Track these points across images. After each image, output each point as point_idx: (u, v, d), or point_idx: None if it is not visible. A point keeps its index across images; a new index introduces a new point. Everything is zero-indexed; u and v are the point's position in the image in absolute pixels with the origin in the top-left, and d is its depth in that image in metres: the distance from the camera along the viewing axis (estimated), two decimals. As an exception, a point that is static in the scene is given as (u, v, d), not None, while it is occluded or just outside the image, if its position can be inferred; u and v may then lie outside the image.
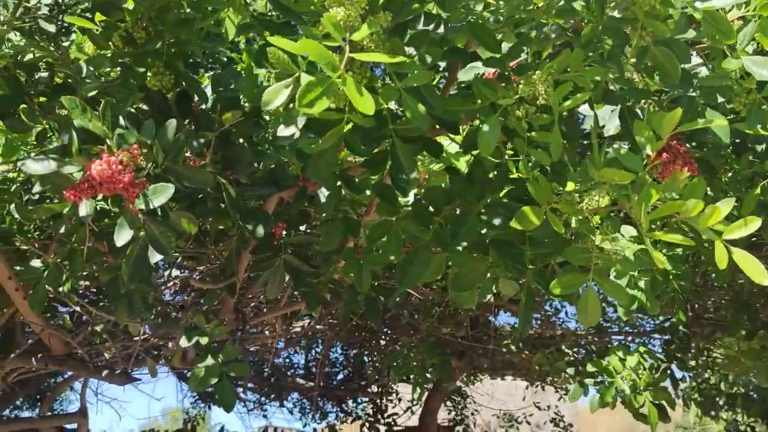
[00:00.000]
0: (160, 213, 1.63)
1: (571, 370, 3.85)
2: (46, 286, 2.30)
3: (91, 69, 1.99)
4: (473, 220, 1.85)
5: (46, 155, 1.61)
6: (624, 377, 3.28)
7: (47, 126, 2.51)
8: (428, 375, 4.24)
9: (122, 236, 1.55)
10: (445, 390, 7.25)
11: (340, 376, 8.91)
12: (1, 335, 3.68)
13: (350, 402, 8.69)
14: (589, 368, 3.40)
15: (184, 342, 2.50)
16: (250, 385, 8.79)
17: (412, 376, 7.55)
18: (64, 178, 1.67)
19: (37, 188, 1.77)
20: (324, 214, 2.51)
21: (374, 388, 7.92)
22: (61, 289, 2.55)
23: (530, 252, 1.87)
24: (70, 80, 2.44)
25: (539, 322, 4.96)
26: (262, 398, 9.27)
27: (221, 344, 2.66)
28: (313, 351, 8.32)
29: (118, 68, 2.05)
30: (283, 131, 1.73)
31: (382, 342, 7.17)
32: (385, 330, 6.52)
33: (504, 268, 1.93)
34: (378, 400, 7.86)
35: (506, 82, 1.87)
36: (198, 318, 2.53)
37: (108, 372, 3.06)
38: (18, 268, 2.45)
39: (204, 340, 2.51)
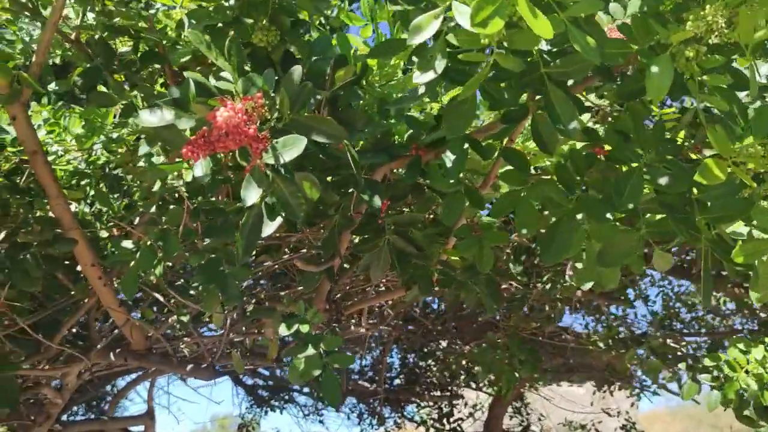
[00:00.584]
0: (286, 171, 1.42)
1: (682, 365, 3.53)
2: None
3: (193, 22, 1.78)
4: (638, 178, 1.59)
5: (160, 106, 1.41)
6: (750, 371, 2.96)
7: (133, 100, 2.34)
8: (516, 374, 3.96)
9: (250, 195, 1.34)
10: (510, 396, 6.95)
11: (396, 381, 8.66)
12: (77, 330, 3.54)
13: (410, 407, 8.43)
14: (707, 362, 3.09)
15: (283, 330, 2.28)
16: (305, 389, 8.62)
17: (473, 379, 7.31)
18: (178, 134, 1.47)
19: (143, 149, 1.57)
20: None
21: (437, 392, 7.64)
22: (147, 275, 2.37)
23: (703, 216, 1.60)
24: (157, 48, 2.26)
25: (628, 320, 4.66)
26: (318, 402, 9.09)
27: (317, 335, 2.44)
28: (370, 354, 8.08)
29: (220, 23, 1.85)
30: (419, 77, 1.51)
31: (442, 343, 6.91)
32: (439, 330, 6.26)
33: (668, 235, 1.66)
34: (443, 404, 7.59)
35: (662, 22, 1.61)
36: (298, 305, 2.31)
37: (193, 367, 2.87)
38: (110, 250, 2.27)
39: (305, 328, 2.30)
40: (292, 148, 1.34)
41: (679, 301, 6.54)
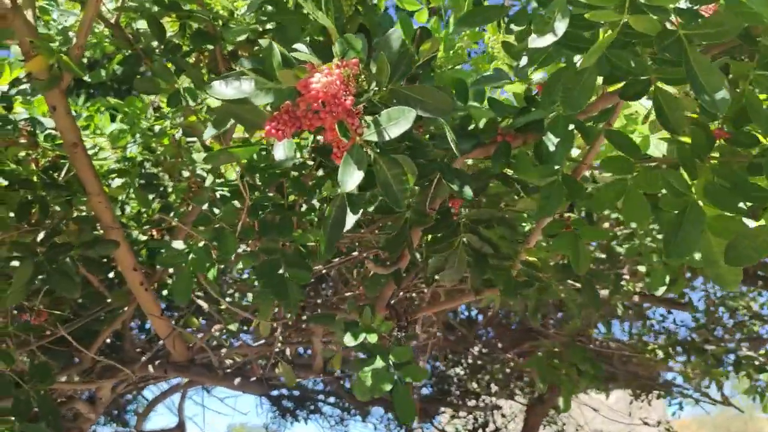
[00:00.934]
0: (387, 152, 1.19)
1: (764, 376, 3.27)
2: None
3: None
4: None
5: (234, 76, 1.18)
6: None
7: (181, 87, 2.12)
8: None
9: (351, 179, 1.11)
10: (546, 405, 6.68)
11: (425, 390, 8.40)
12: (111, 340, 3.33)
13: (439, 417, 8.17)
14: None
15: (348, 340, 2.05)
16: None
17: (515, 389, 7.03)
18: (255, 110, 1.24)
19: (209, 132, 1.35)
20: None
21: (472, 402, 7.37)
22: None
23: None
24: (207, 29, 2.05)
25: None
26: (344, 413, 8.85)
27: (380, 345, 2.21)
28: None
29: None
30: (535, 41, 1.27)
31: (475, 351, 6.64)
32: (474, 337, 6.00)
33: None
34: (478, 415, 7.32)
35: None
36: (364, 312, 2.08)
37: (242, 380, 2.65)
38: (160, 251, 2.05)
39: (373, 338, 2.06)
40: (399, 121, 1.11)
41: (723, 305, 6.24)
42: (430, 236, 2.17)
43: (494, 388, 6.80)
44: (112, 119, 2.95)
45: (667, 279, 3.00)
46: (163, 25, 1.96)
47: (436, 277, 2.40)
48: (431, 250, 2.08)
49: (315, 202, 2.39)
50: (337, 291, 3.04)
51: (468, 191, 1.62)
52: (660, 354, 4.29)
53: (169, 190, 2.87)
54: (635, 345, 4.74)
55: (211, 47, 1.97)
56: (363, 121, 1.13)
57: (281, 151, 1.26)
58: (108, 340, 3.32)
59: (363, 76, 1.21)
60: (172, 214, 2.63)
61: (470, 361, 6.89)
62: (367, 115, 1.24)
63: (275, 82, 1.16)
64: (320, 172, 2.19)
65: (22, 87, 2.44)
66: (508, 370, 6.30)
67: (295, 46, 1.29)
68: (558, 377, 3.55)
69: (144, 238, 2.69)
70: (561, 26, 1.26)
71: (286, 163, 1.25)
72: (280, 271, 1.99)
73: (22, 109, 2.27)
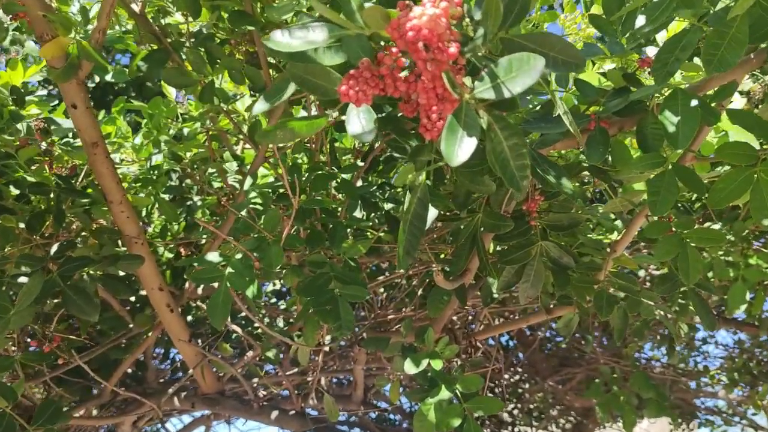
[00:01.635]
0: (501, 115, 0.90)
1: None
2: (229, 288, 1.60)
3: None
4: None
5: (304, 24, 0.91)
6: None
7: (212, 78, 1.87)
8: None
9: (461, 149, 0.82)
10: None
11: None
12: (133, 369, 3.05)
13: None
14: None
15: (410, 368, 1.76)
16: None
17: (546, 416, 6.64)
18: (327, 73, 0.97)
19: (259, 106, 1.07)
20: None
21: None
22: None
23: None
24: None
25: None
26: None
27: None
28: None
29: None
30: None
31: (514, 376, 6.28)
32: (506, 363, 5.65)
33: None
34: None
35: None
36: (426, 336, 1.79)
37: (279, 415, 2.35)
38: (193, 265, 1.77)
39: (437, 365, 1.77)
40: (523, 73, 0.83)
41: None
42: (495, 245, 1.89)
43: (531, 416, 6.41)
44: (135, 128, 2.70)
45: (747, 297, 2.70)
46: (198, 1, 1.71)
47: (494, 293, 2.11)
48: (505, 261, 1.78)
49: (358, 212, 2.11)
50: (382, 310, 2.74)
51: (568, 185, 1.33)
52: (724, 380, 3.93)
53: (198, 203, 2.61)
54: (687, 369, 4.40)
55: (250, 29, 1.71)
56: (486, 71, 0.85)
57: (357, 121, 0.98)
58: (129, 370, 3.03)
59: (465, 22, 0.94)
60: (201, 229, 2.36)
61: (505, 388, 6.52)
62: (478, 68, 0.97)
63: (356, 27, 0.89)
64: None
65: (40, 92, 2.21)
66: (550, 399, 5.93)
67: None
68: (619, 406, 3.21)
69: (170, 255, 2.42)
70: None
71: (364, 137, 0.97)
72: (331, 287, 1.71)
73: (37, 110, 2.03)
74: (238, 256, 1.64)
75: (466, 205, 1.70)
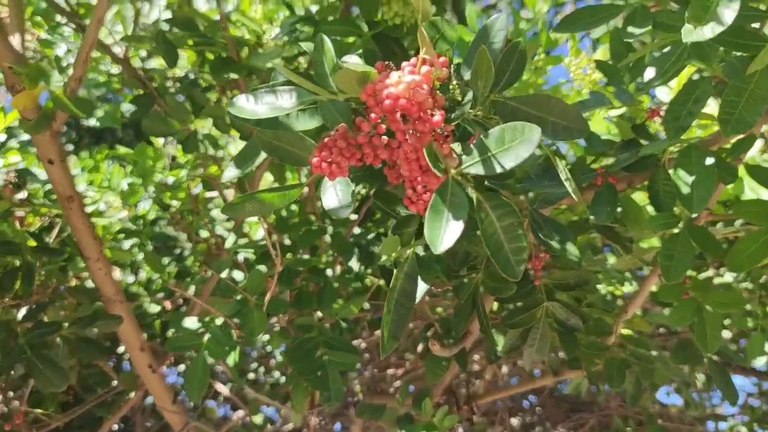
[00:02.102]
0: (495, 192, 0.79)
1: None
2: (207, 357, 1.48)
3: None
4: None
5: (271, 87, 0.81)
6: None
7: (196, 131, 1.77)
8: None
9: (446, 234, 0.70)
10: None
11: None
12: (119, 425, 2.91)
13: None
14: None
15: (406, 440, 1.62)
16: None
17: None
18: (298, 139, 0.87)
19: (229, 173, 0.97)
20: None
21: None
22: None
23: None
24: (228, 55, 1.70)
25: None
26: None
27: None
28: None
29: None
30: (691, 34, 0.89)
31: (513, 421, 6.06)
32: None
33: None
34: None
35: None
36: (424, 404, 1.65)
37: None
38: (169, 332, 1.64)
39: (436, 437, 1.63)
40: (517, 145, 0.72)
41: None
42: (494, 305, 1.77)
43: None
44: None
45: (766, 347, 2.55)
46: (176, 49, 1.61)
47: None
48: (508, 324, 1.66)
49: (354, 262, 2.00)
50: (379, 369, 2.61)
51: (574, 251, 1.21)
52: (743, 430, 3.75)
53: (186, 252, 2.50)
54: (704, 415, 4.20)
55: (234, 77, 1.62)
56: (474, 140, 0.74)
57: (333, 195, 0.87)
58: (115, 427, 2.90)
59: (452, 84, 0.83)
60: (188, 280, 2.25)
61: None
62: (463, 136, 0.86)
63: (327, 91, 0.78)
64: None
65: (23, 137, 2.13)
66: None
67: (345, 58, 0.92)
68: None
69: (157, 308, 2.30)
70: (729, 12, 0.88)
71: (340, 212, 0.86)
72: (319, 354, 1.58)
73: (17, 157, 1.93)
74: (218, 321, 1.53)
75: (466, 264, 1.58)
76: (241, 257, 1.93)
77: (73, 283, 1.91)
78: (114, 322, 1.75)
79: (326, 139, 0.82)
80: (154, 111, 1.83)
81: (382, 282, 2.05)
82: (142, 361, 1.93)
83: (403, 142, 0.75)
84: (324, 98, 0.79)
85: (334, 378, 1.57)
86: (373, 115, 0.81)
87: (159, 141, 2.31)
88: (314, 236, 1.69)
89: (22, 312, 1.56)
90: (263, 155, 0.96)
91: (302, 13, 1.76)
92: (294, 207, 1.99)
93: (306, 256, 1.65)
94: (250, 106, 0.81)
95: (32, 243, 1.68)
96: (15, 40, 1.55)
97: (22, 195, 1.77)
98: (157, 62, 2.14)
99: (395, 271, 0.99)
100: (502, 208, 0.77)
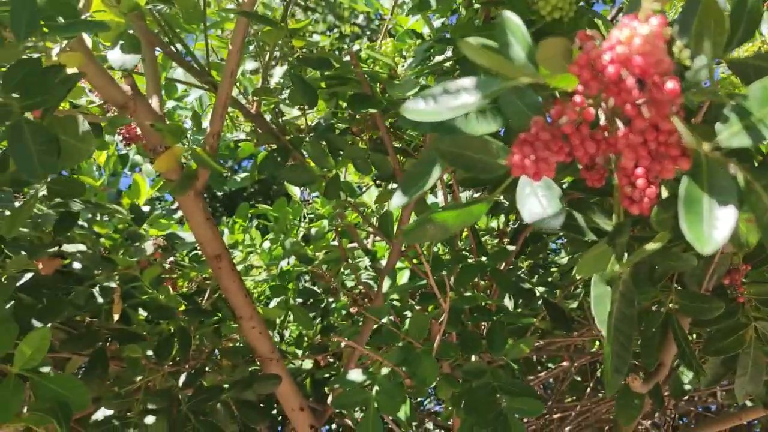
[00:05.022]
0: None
1: None
2: None
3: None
4: None
5: (442, 87, 0.68)
6: None
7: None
8: None
9: (719, 227, 0.54)
10: None
11: None
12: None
13: None
14: None
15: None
16: None
17: None
18: (484, 144, 0.74)
19: (397, 200, 0.84)
20: None
21: None
22: None
23: None
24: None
25: None
26: None
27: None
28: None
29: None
30: None
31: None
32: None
33: None
34: None
35: None
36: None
37: None
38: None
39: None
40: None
41: None
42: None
43: None
44: (264, 233, 2.60)
45: None
46: (315, 90, 1.55)
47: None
48: (711, 351, 1.42)
49: (507, 301, 1.83)
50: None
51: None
52: None
53: (331, 306, 2.42)
54: None
55: (372, 112, 1.53)
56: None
57: (535, 202, 0.72)
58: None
59: (677, 45, 0.67)
60: (340, 332, 2.15)
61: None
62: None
63: (525, 75, 0.65)
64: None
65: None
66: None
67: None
68: None
69: (308, 365, 2.22)
70: None
71: (548, 223, 0.71)
72: (496, 401, 1.41)
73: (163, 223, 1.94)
74: (384, 371, 1.40)
75: (653, 282, 1.38)
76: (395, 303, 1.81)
77: (226, 345, 1.86)
78: (273, 382, 1.67)
79: (524, 135, 0.67)
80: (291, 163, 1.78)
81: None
82: (303, 422, 1.83)
83: (636, 119, 0.59)
84: (519, 84, 0.65)
85: (516, 427, 1.39)
86: (578, 99, 0.66)
87: (296, 194, 2.27)
88: (473, 272, 1.54)
89: (182, 379, 1.51)
90: (437, 172, 0.83)
91: (431, 37, 1.66)
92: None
93: (467, 294, 1.51)
94: (426, 106, 0.68)
95: (184, 307, 1.64)
96: (154, 102, 1.55)
97: (171, 259, 1.76)
98: (288, 114, 2.12)
99: (595, 291, 0.83)
100: (772, 188, 0.59)
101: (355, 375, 1.38)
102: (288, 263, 2.24)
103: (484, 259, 1.68)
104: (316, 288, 2.38)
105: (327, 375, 2.35)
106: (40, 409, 1.06)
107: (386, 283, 1.60)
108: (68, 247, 1.41)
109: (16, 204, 1.45)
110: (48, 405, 1.09)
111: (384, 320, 1.49)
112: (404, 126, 0.76)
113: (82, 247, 1.41)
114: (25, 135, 0.87)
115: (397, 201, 0.90)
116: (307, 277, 2.50)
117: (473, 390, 1.43)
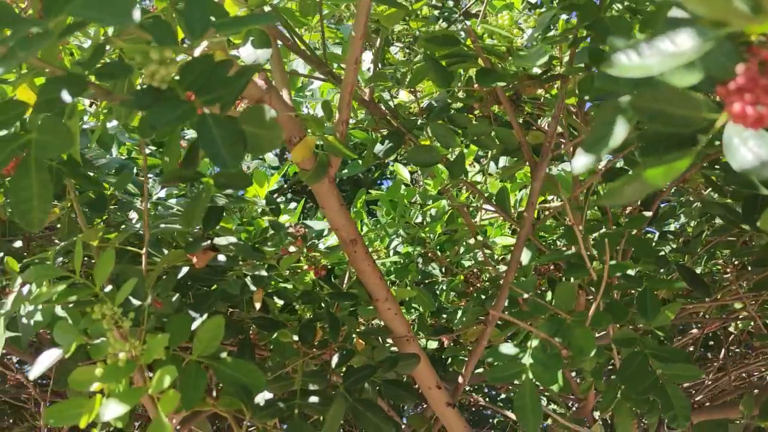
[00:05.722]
0: None
1: None
2: None
3: None
4: None
5: (653, 41, 0.67)
6: None
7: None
8: None
9: None
10: None
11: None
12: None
13: None
14: None
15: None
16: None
17: None
18: (685, 98, 0.72)
19: (580, 161, 0.84)
20: None
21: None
22: None
23: None
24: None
25: None
26: None
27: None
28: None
29: None
30: None
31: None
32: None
33: None
34: None
35: None
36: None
37: None
38: None
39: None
40: None
41: None
42: None
43: None
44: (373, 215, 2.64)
45: None
46: (446, 68, 1.55)
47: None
48: None
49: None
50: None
51: None
52: None
53: (444, 286, 2.44)
54: None
55: (499, 85, 1.52)
56: None
57: (745, 152, 0.70)
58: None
59: None
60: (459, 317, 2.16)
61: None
62: None
63: (742, 17, 0.63)
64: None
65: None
66: None
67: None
68: None
69: (433, 345, 2.24)
70: None
71: (761, 171, 0.69)
72: (651, 370, 1.39)
73: (286, 216, 2.00)
74: (534, 343, 1.40)
75: None
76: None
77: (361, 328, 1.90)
78: (413, 361, 1.69)
79: (737, 83, 0.66)
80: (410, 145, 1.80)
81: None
82: (439, 400, 1.85)
83: None
84: (731, 30, 0.64)
85: (677, 395, 1.37)
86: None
87: (406, 178, 2.29)
88: (616, 239, 1.52)
89: (335, 360, 1.55)
90: (623, 129, 0.82)
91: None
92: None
93: (613, 261, 1.48)
94: (635, 60, 0.67)
95: (327, 290, 1.69)
96: (284, 94, 1.59)
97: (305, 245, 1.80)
98: (398, 99, 2.13)
99: None
100: None
101: (507, 348, 1.39)
102: (404, 247, 2.26)
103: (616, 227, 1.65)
104: (432, 268, 2.40)
105: (450, 356, 2.37)
106: (227, 393, 1.12)
107: (525, 256, 1.59)
108: (220, 240, 1.46)
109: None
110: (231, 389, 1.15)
111: (526, 294, 1.48)
112: (601, 84, 0.74)
113: (233, 239, 1.47)
114: (210, 128, 0.90)
115: (581, 162, 0.89)
116: (419, 260, 2.52)
117: (626, 360, 1.41)
